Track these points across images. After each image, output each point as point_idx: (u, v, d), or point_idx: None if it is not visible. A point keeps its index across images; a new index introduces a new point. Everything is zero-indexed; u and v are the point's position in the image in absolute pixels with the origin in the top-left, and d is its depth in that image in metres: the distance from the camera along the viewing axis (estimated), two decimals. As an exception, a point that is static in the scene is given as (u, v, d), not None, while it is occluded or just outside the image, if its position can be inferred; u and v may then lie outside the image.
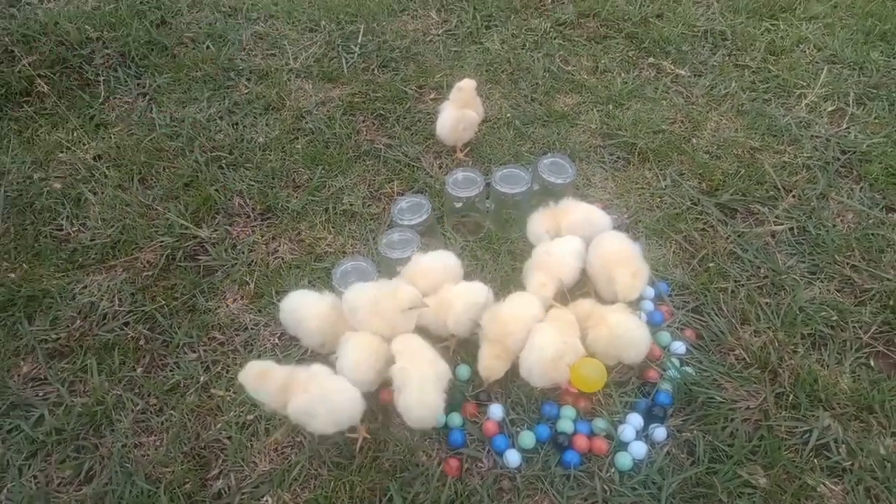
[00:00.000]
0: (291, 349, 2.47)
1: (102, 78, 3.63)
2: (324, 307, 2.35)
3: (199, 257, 2.82)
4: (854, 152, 3.16)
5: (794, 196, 2.98)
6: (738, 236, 2.83)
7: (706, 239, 2.82)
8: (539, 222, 2.67)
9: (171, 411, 2.33)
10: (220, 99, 3.53)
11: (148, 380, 2.42)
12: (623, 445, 2.21)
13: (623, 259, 2.46)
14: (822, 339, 2.48)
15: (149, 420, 2.32)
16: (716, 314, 2.56)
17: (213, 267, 2.78)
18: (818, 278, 2.68)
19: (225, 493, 2.15)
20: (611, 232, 2.61)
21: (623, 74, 3.65)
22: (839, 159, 3.14)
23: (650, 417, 2.27)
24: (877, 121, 3.33)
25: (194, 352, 2.50)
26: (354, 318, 2.30)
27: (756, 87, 3.55)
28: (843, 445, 2.18)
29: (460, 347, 2.44)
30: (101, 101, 3.52)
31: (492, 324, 2.31)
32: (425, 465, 2.19)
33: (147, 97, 3.56)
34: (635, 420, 2.25)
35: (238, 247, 2.85)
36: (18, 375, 2.45)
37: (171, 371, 2.45)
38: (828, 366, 2.40)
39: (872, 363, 2.42)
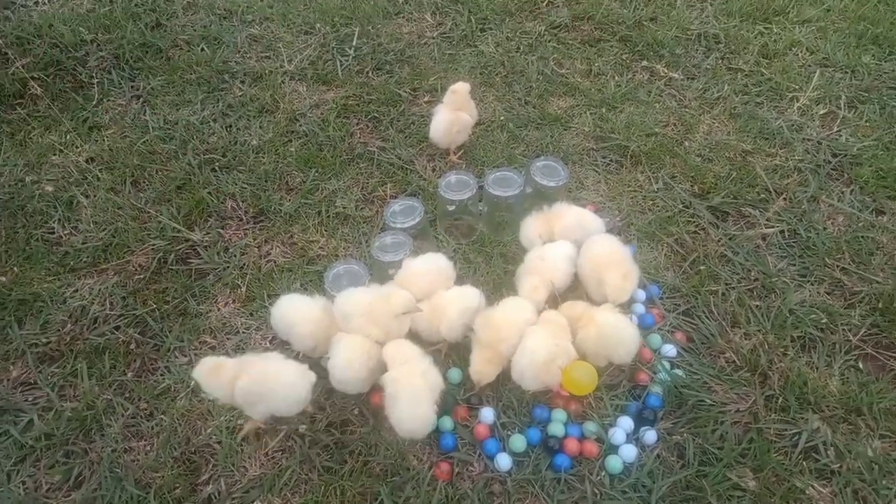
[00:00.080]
0: (283, 352, 2.46)
1: (96, 80, 3.63)
2: (315, 311, 2.35)
3: (191, 260, 2.82)
4: (845, 155, 3.17)
5: (785, 199, 2.99)
6: (730, 239, 2.83)
7: (697, 242, 2.83)
8: (532, 226, 2.68)
9: (162, 416, 2.33)
10: (214, 101, 3.53)
11: (138, 384, 2.42)
12: (613, 449, 2.21)
13: (613, 261, 2.47)
14: (812, 342, 2.49)
15: (139, 425, 2.32)
16: (706, 317, 2.57)
17: (204, 270, 2.78)
18: (808, 281, 2.69)
19: (215, 497, 2.15)
20: (601, 235, 2.61)
21: (616, 77, 3.66)
22: (830, 162, 3.15)
23: (640, 420, 2.27)
24: (868, 124, 3.34)
25: (185, 356, 2.50)
26: (347, 324, 2.30)
27: (749, 91, 3.56)
28: (832, 448, 2.19)
29: (452, 351, 2.45)
30: (94, 103, 3.53)
31: (484, 329, 2.31)
32: (416, 469, 2.19)
33: (141, 99, 3.56)
34: (626, 423, 2.26)
35: (230, 250, 2.85)
36: (8, 380, 2.45)
37: (161, 375, 2.45)
38: (817, 368, 2.40)
39: (861, 366, 2.43)
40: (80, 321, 2.59)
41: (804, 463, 2.17)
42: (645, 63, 3.75)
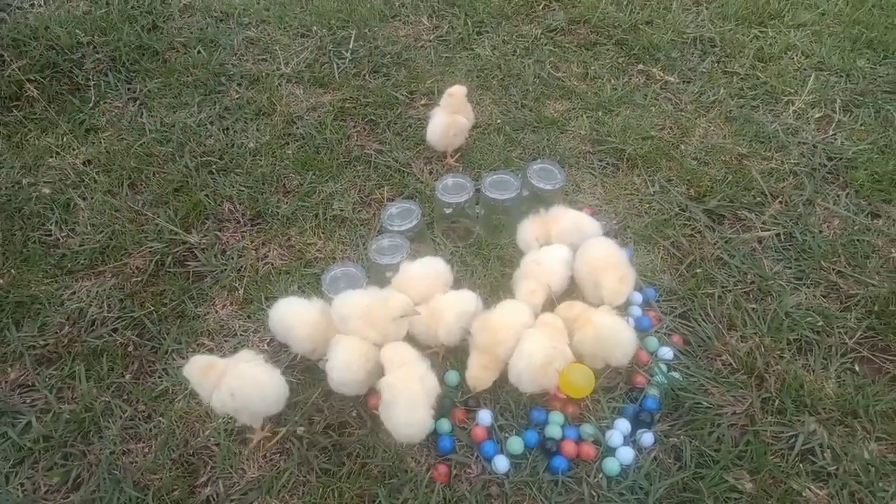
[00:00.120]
0: (281, 355, 2.47)
1: (93, 83, 3.63)
2: (313, 314, 2.35)
3: (189, 263, 2.82)
4: (840, 159, 3.18)
5: (780, 202, 3.00)
6: (726, 242, 2.84)
7: (694, 245, 2.84)
8: (529, 229, 2.69)
9: (160, 418, 2.33)
10: (211, 104, 3.53)
11: (136, 386, 2.42)
12: (611, 451, 2.22)
13: (609, 264, 2.48)
14: (808, 345, 2.50)
15: (137, 427, 2.32)
16: (703, 320, 2.58)
17: (202, 273, 2.79)
18: (804, 284, 2.70)
19: (213, 499, 2.15)
20: (597, 238, 2.62)
21: (613, 81, 3.67)
22: (825, 166, 3.17)
23: (637, 423, 2.28)
24: (863, 128, 3.35)
25: (183, 358, 2.49)
26: (345, 327, 2.31)
27: (744, 94, 3.57)
28: (828, 450, 2.20)
29: (449, 354, 2.45)
30: (91, 105, 3.52)
31: (481, 332, 2.32)
32: (414, 471, 2.19)
33: (137, 102, 3.56)
34: (623, 425, 2.26)
35: (227, 252, 2.85)
36: (6, 382, 2.45)
37: (159, 377, 2.45)
38: (813, 371, 2.42)
39: (857, 368, 2.44)
40: (77, 323, 2.59)
41: (801, 465, 2.18)
42: (641, 66, 3.76)
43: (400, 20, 4.10)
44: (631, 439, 2.26)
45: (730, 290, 2.67)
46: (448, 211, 2.80)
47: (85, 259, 2.81)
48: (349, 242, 2.89)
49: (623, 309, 2.53)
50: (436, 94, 3.53)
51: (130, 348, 2.53)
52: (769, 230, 2.89)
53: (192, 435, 2.29)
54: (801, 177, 3.12)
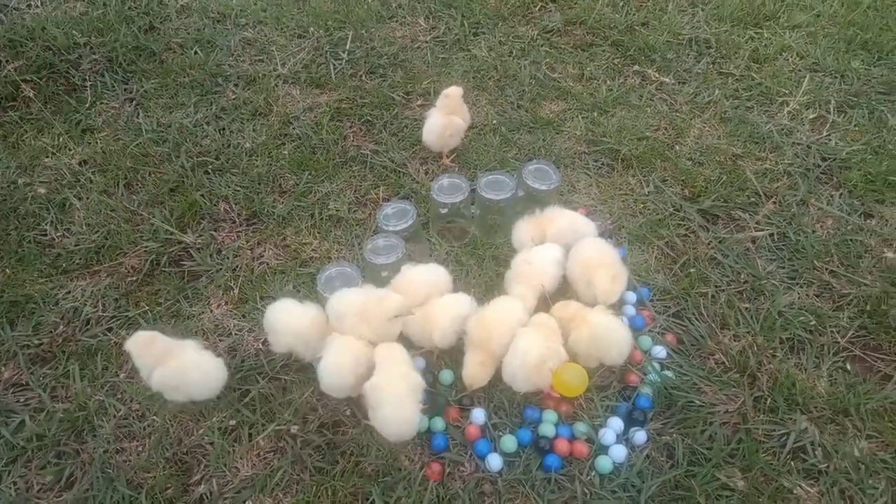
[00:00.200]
0: (276, 354, 2.48)
1: (89, 83, 3.64)
2: (307, 316, 2.36)
3: (184, 263, 2.83)
4: (834, 159, 3.20)
5: (774, 202, 3.01)
6: (719, 242, 2.85)
7: (688, 244, 2.85)
8: (524, 229, 2.70)
9: (154, 417, 2.34)
10: (208, 104, 3.54)
11: (130, 385, 2.42)
12: (603, 449, 2.23)
13: (602, 263, 2.49)
14: (801, 344, 2.51)
15: (131, 425, 2.33)
16: (696, 319, 2.59)
17: (197, 272, 2.79)
18: (797, 283, 2.71)
19: (207, 498, 2.16)
20: (590, 237, 2.63)
21: (608, 82, 3.68)
22: (819, 166, 3.18)
23: (630, 421, 2.29)
24: (857, 128, 3.37)
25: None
26: (340, 324, 2.32)
27: (739, 95, 3.58)
28: (820, 448, 2.20)
29: (443, 353, 2.46)
30: (87, 106, 3.53)
31: (476, 328, 2.33)
32: (407, 469, 2.20)
33: (134, 102, 3.57)
34: (616, 424, 2.27)
35: (223, 252, 2.86)
36: None
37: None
38: (805, 370, 2.42)
39: (849, 367, 2.45)
40: (72, 323, 2.60)
41: (792, 463, 2.19)
42: (636, 67, 3.77)
43: (396, 21, 4.10)
44: (624, 437, 2.26)
45: (723, 290, 2.68)
46: (443, 211, 2.81)
47: (80, 259, 2.82)
48: (345, 242, 2.89)
49: (617, 308, 2.53)
50: (432, 94, 3.54)
51: (125, 347, 2.52)
52: (763, 230, 2.90)
53: (185, 434, 2.30)
54: (794, 177, 3.13)
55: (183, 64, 3.74)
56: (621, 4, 4.17)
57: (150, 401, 2.37)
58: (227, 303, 2.68)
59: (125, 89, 3.64)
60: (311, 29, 3.98)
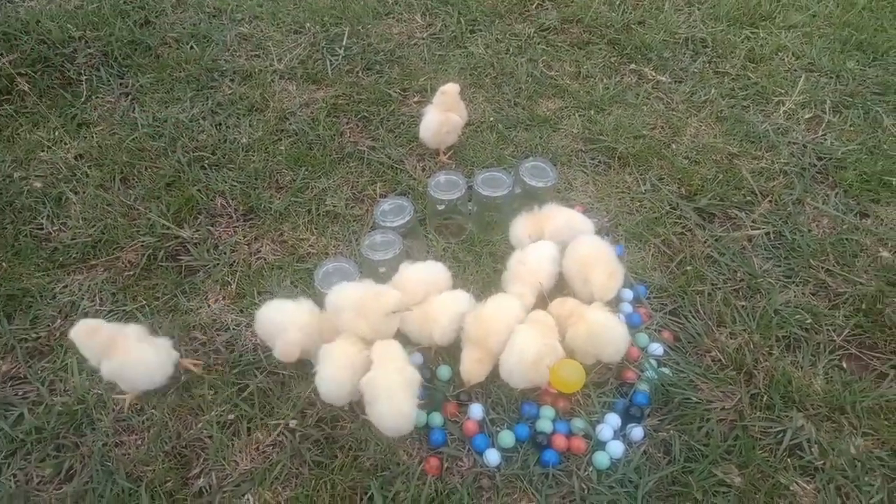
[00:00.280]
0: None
1: (84, 77, 3.63)
2: (303, 316, 2.36)
3: (181, 257, 2.82)
4: (830, 159, 3.21)
5: (770, 201, 3.03)
6: (716, 240, 2.87)
7: (684, 243, 2.86)
8: (522, 226, 2.70)
9: (153, 410, 2.33)
10: (204, 99, 3.53)
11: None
12: (601, 445, 2.24)
13: (599, 260, 2.50)
14: (797, 342, 2.52)
15: (130, 419, 2.32)
16: (693, 316, 2.60)
17: (194, 267, 2.79)
18: (793, 282, 2.72)
19: (206, 491, 2.16)
20: (587, 235, 2.63)
21: (605, 80, 3.69)
22: (815, 165, 3.20)
23: (628, 417, 2.30)
24: (852, 128, 3.39)
25: (176, 351, 2.49)
26: (338, 318, 2.32)
27: (735, 94, 3.60)
28: (816, 445, 2.22)
29: (442, 349, 2.46)
30: (82, 100, 3.52)
31: (474, 325, 2.33)
32: (406, 463, 2.20)
33: (129, 97, 3.56)
34: (613, 420, 2.28)
35: (220, 247, 2.85)
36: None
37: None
38: (802, 367, 2.44)
39: (845, 365, 2.47)
40: (70, 316, 2.59)
41: (788, 460, 2.20)
42: (633, 66, 3.78)
43: (393, 18, 4.11)
44: (621, 433, 2.27)
45: (719, 288, 2.69)
46: (441, 208, 2.81)
47: (77, 253, 2.81)
48: (342, 238, 2.89)
49: (614, 305, 2.54)
50: (429, 91, 3.54)
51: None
52: (759, 229, 2.92)
53: (184, 427, 2.30)
54: (790, 176, 3.15)
55: (179, 59, 3.73)
56: (618, 3, 4.19)
57: (148, 395, 2.37)
58: (224, 297, 2.68)
59: (121, 84, 3.63)
60: (308, 25, 3.98)
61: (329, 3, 4.12)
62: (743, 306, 2.63)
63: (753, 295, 2.68)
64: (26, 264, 2.77)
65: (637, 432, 2.26)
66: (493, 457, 2.20)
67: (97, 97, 3.55)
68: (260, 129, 3.37)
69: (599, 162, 3.24)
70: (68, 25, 3.81)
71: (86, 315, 2.59)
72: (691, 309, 2.62)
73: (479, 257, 2.79)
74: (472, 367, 2.31)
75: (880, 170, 3.12)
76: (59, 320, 2.58)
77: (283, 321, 2.33)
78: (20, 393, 2.39)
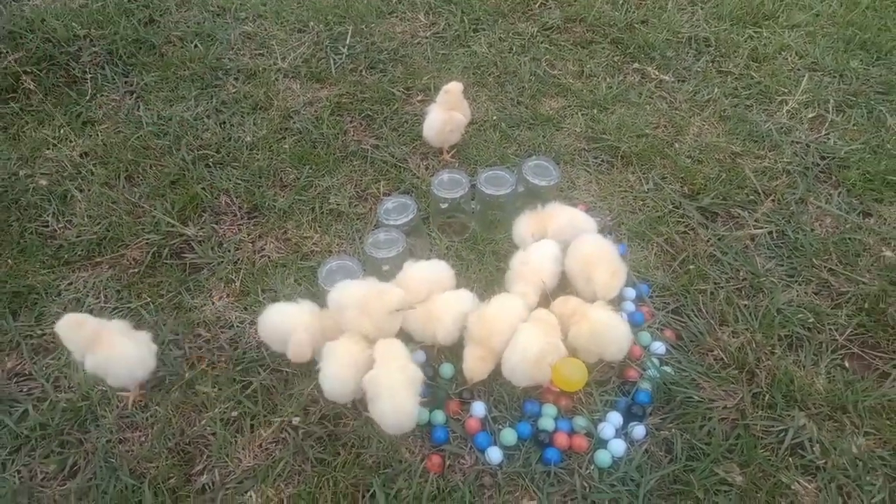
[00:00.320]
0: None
1: (89, 75, 3.64)
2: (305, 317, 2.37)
3: (186, 255, 2.83)
4: (833, 158, 3.21)
5: (773, 200, 3.03)
6: (719, 239, 2.87)
7: (687, 242, 2.86)
8: (525, 225, 2.71)
9: (156, 407, 2.35)
10: (208, 98, 3.54)
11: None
12: (603, 443, 2.24)
13: (601, 259, 2.50)
14: (799, 341, 2.53)
15: (133, 416, 2.33)
16: (695, 315, 2.60)
17: (199, 265, 2.80)
18: (796, 281, 2.72)
19: (209, 488, 2.17)
20: (589, 233, 2.64)
21: (608, 79, 3.69)
22: (818, 165, 3.20)
23: (629, 416, 2.30)
24: (855, 128, 3.39)
25: (180, 349, 2.51)
26: (342, 316, 2.32)
27: (738, 94, 3.60)
28: (817, 444, 2.22)
29: (444, 347, 2.47)
30: (87, 98, 3.53)
31: (477, 324, 2.34)
32: (408, 461, 2.21)
33: (134, 95, 3.57)
34: (615, 418, 2.29)
35: (224, 245, 2.86)
36: (2, 371, 2.46)
37: (156, 368, 2.44)
38: (804, 367, 2.44)
39: (847, 365, 2.47)
40: (74, 313, 2.59)
41: (790, 459, 2.21)
42: (636, 65, 3.78)
43: (397, 17, 4.11)
44: (623, 432, 2.28)
45: (722, 287, 2.69)
46: (444, 206, 2.82)
47: (82, 250, 2.83)
48: (345, 236, 2.90)
49: (616, 304, 2.55)
50: (432, 90, 3.55)
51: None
52: (762, 228, 2.92)
53: (188, 424, 2.31)
54: (793, 175, 3.15)
55: (183, 57, 3.75)
56: (621, 2, 4.19)
57: (152, 391, 2.38)
58: (228, 295, 2.69)
59: (125, 82, 3.64)
60: (312, 23, 3.98)
61: (333, 1, 4.13)
62: (745, 305, 2.63)
63: (756, 294, 2.68)
64: (32, 261, 2.78)
65: (639, 431, 2.26)
66: (495, 455, 2.21)
67: (102, 95, 3.56)
68: (264, 127, 3.38)
69: (602, 161, 3.25)
70: (73, 24, 3.82)
71: (90, 312, 2.59)
72: (694, 308, 2.63)
73: (482, 256, 2.80)
74: (475, 365, 2.32)
75: (883, 169, 3.12)
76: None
77: (288, 324, 2.34)
78: (25, 389, 2.41)
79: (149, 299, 2.66)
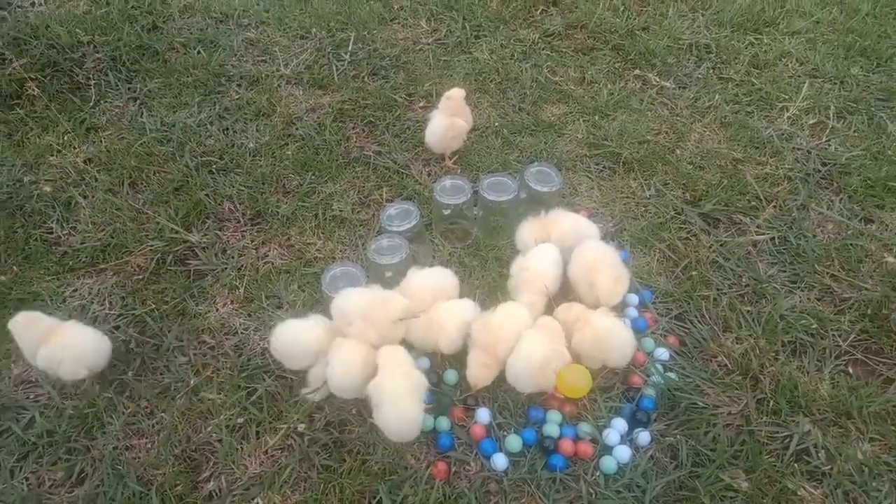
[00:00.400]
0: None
1: (93, 82, 3.65)
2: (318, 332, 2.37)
3: (190, 261, 2.84)
4: (834, 164, 3.23)
5: (775, 207, 3.04)
6: (721, 245, 2.88)
7: (689, 248, 2.87)
8: (528, 231, 2.71)
9: (162, 414, 2.35)
10: (211, 104, 3.55)
11: (139, 383, 2.43)
12: (608, 449, 2.25)
13: (604, 265, 2.51)
14: (802, 347, 2.53)
15: (140, 423, 2.33)
16: (699, 321, 2.61)
17: (203, 271, 2.80)
18: (798, 287, 2.73)
19: (216, 494, 2.17)
20: (592, 240, 2.65)
21: (609, 85, 3.70)
22: (819, 171, 3.21)
23: (634, 422, 2.30)
24: (856, 134, 3.40)
25: (184, 355, 2.51)
26: (345, 324, 2.33)
27: (739, 100, 3.61)
28: (823, 450, 2.23)
29: (448, 354, 2.47)
30: (91, 104, 3.54)
31: (482, 332, 2.34)
32: (414, 468, 2.21)
33: (138, 101, 3.58)
34: (620, 425, 2.29)
35: (228, 251, 2.87)
36: (9, 378, 2.46)
37: (161, 374, 2.46)
38: (808, 372, 2.45)
39: (851, 370, 2.48)
40: (79, 320, 2.59)
41: (795, 465, 2.21)
42: (637, 72, 3.80)
43: (398, 23, 4.13)
44: (628, 438, 2.28)
45: (725, 293, 2.70)
46: (446, 212, 2.83)
47: (86, 257, 2.83)
48: (348, 242, 2.91)
49: (619, 310, 2.56)
50: (434, 96, 3.56)
51: (132, 345, 2.54)
52: (764, 234, 2.93)
53: (194, 431, 2.31)
54: (795, 182, 3.16)
55: (186, 64, 3.76)
56: (622, 9, 4.21)
57: (158, 398, 2.38)
58: (232, 302, 2.69)
59: (129, 88, 3.65)
60: (314, 30, 4.00)
61: (335, 8, 4.14)
62: (748, 311, 2.64)
63: (759, 300, 2.69)
64: (37, 268, 2.79)
65: (644, 437, 2.26)
66: (500, 461, 2.21)
67: (106, 102, 3.57)
68: (267, 133, 3.39)
69: (604, 167, 3.26)
70: (77, 30, 3.83)
71: (95, 319, 2.61)
72: (697, 314, 2.64)
73: (484, 262, 2.81)
74: (479, 372, 2.32)
75: (884, 175, 3.13)
76: (68, 324, 2.60)
77: (303, 342, 2.35)
78: (32, 396, 2.41)
79: (153, 306, 2.66)
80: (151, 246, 2.86)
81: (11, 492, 2.16)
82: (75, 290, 2.72)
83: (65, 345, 2.29)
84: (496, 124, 3.46)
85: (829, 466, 2.19)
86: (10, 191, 3.09)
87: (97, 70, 3.70)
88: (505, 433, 2.29)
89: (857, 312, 2.63)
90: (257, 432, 2.30)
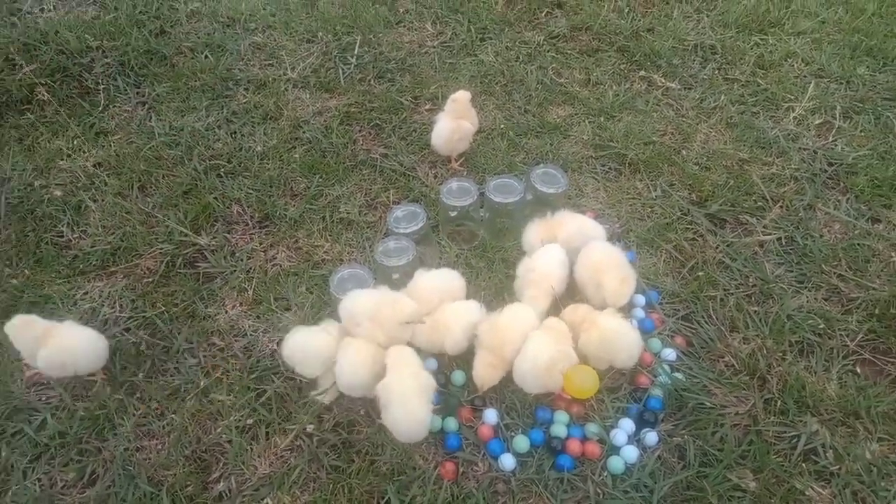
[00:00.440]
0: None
1: (102, 86, 3.67)
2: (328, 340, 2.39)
3: (199, 264, 2.86)
4: (840, 164, 3.23)
5: (781, 207, 3.05)
6: (728, 246, 2.88)
7: (696, 248, 2.88)
8: (534, 232, 2.72)
9: (173, 415, 2.36)
10: (219, 108, 3.57)
11: (149, 385, 2.45)
12: (615, 450, 2.25)
13: (611, 266, 2.52)
14: (810, 347, 2.53)
15: (150, 424, 2.35)
16: (705, 322, 2.62)
17: (212, 274, 2.82)
18: (805, 287, 2.73)
19: (226, 495, 2.18)
20: (598, 241, 2.65)
21: (615, 87, 3.71)
22: (826, 171, 3.21)
23: (642, 422, 2.31)
24: (862, 134, 3.40)
25: (194, 357, 2.53)
26: (353, 325, 2.34)
27: (745, 101, 3.61)
28: (831, 450, 2.23)
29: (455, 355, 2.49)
30: (100, 109, 3.56)
31: (489, 333, 2.35)
32: (422, 468, 2.23)
33: (146, 106, 3.60)
34: (627, 425, 2.29)
35: (237, 254, 2.89)
36: (21, 380, 2.48)
37: (171, 376, 2.48)
38: (815, 372, 2.45)
39: (859, 370, 2.48)
40: (90, 323, 2.60)
41: (803, 465, 2.21)
42: (643, 73, 3.81)
43: (404, 26, 4.14)
44: (635, 438, 2.29)
45: (732, 293, 2.71)
46: (453, 214, 2.84)
47: (97, 260, 2.85)
48: (356, 245, 2.92)
49: (626, 311, 2.56)
50: (440, 99, 3.57)
51: (143, 347, 2.56)
52: (770, 234, 2.93)
53: (204, 432, 2.33)
54: (801, 182, 3.16)
55: (194, 68, 3.78)
56: (627, 10, 4.21)
57: (168, 400, 2.40)
58: (241, 304, 2.71)
59: (137, 93, 3.67)
60: (320, 34, 4.01)
61: (341, 12, 4.16)
62: (755, 311, 2.64)
63: (766, 300, 2.69)
64: (48, 271, 2.81)
65: (651, 437, 2.27)
66: (508, 461, 2.22)
67: (115, 106, 3.59)
68: (274, 137, 3.41)
69: (610, 168, 3.26)
70: (86, 35, 3.85)
71: (106, 321, 2.63)
72: (704, 314, 2.64)
73: (491, 263, 2.82)
74: (485, 372, 2.33)
75: (891, 175, 3.13)
76: (79, 327, 2.62)
77: (315, 351, 2.36)
78: (44, 398, 2.43)
79: (163, 308, 2.68)
80: (161, 249, 2.88)
81: (24, 492, 2.18)
82: (86, 293, 2.74)
83: (63, 345, 2.31)
84: (502, 126, 3.47)
85: (838, 466, 2.20)
86: (21, 195, 3.11)
87: (106, 75, 3.72)
88: (512, 434, 2.30)
89: (865, 312, 2.63)
90: (267, 433, 2.32)
